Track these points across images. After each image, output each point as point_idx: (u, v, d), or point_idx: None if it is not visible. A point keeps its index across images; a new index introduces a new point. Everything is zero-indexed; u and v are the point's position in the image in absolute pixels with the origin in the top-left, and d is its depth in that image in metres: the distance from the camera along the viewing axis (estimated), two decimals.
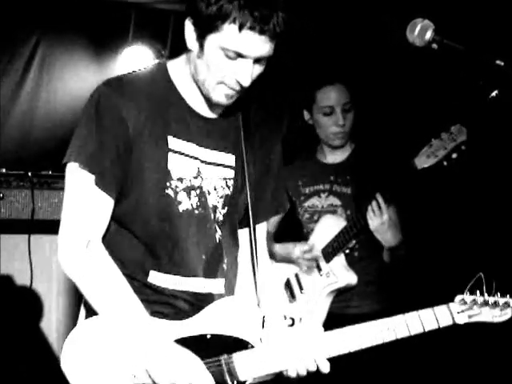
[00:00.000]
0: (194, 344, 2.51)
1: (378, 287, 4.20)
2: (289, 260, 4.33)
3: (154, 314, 2.53)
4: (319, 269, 4.25)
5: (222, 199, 2.67)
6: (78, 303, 4.54)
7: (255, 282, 2.74)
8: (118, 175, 2.51)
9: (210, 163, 2.64)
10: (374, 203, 3.97)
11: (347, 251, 4.19)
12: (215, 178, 2.65)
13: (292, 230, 4.49)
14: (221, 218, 2.67)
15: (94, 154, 2.49)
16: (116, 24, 5.61)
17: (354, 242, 4.15)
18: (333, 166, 4.41)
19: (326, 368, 2.54)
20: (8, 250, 4.54)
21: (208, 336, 2.55)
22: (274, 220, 4.47)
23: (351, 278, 4.16)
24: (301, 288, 4.30)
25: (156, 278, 2.58)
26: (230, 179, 2.68)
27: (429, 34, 2.40)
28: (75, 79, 5.53)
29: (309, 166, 4.50)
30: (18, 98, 5.39)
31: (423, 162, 3.77)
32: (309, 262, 4.23)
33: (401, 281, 4.24)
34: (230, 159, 2.69)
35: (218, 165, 2.66)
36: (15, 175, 4.60)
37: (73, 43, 5.51)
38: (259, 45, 2.41)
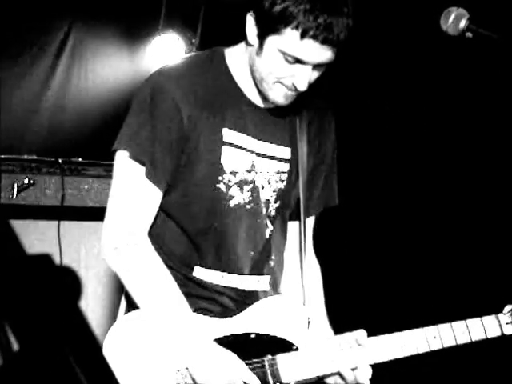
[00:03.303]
0: (238, 343, 2.47)
1: None
2: None
3: (198, 310, 2.49)
4: None
5: (275, 193, 2.59)
6: (105, 289, 4.60)
7: (302, 279, 2.67)
8: (168, 167, 2.44)
9: (264, 156, 2.57)
10: None
11: None
12: (270, 172, 2.58)
13: None
14: (273, 213, 2.60)
15: (146, 144, 2.42)
16: (147, 12, 5.62)
17: None
18: None
19: (367, 374, 2.49)
20: (38, 236, 4.55)
21: (252, 335, 2.50)
22: None
23: None
24: None
25: (201, 272, 2.53)
26: (284, 173, 2.60)
27: (463, 23, 2.37)
28: (106, 67, 5.55)
29: None
30: (49, 84, 5.42)
31: None
32: None
33: None
34: (285, 152, 2.61)
35: (273, 158, 2.59)
36: (46, 162, 4.61)
37: (104, 30, 5.53)
38: (320, 53, 2.34)
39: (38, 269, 0.88)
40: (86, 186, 4.65)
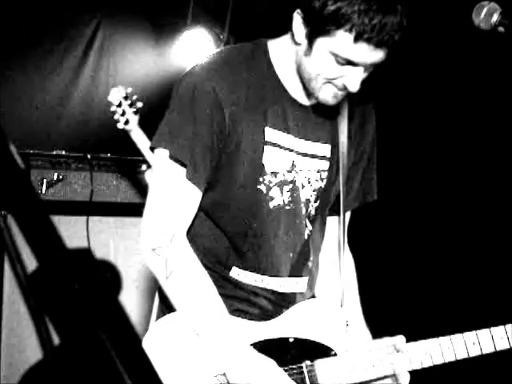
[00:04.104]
0: (276, 347, 2.42)
1: None
2: None
3: (234, 312, 2.44)
4: None
5: (315, 192, 2.52)
6: (134, 283, 4.62)
7: (341, 278, 2.62)
8: (209, 167, 2.37)
9: (305, 155, 2.49)
10: None
11: None
12: (310, 171, 2.50)
13: None
14: (313, 212, 2.54)
15: (186, 145, 2.33)
16: (175, 7, 5.64)
17: None
18: None
19: (406, 381, 2.43)
20: (66, 231, 4.58)
21: (290, 340, 2.45)
22: None
23: None
24: None
25: (237, 273, 2.47)
26: (324, 171, 2.53)
27: (495, 17, 2.36)
28: (134, 62, 5.58)
29: None
30: (78, 81, 5.45)
31: None
32: None
33: None
34: (325, 150, 2.53)
35: (314, 156, 2.51)
36: (75, 157, 4.64)
37: (132, 26, 5.56)
38: (373, 55, 2.24)
39: (78, 263, 0.89)
40: (115, 182, 4.68)
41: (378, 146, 2.73)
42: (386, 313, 4.53)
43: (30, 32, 5.09)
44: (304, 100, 2.48)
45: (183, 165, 2.36)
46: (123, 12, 5.47)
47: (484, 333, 2.47)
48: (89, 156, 4.65)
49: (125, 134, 4.07)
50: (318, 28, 2.25)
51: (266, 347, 2.41)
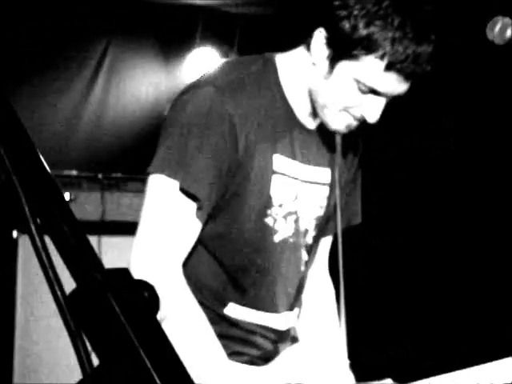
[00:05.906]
0: None
1: None
2: None
3: (232, 354, 2.22)
4: None
5: (315, 221, 2.34)
6: None
7: (338, 307, 2.39)
8: (214, 200, 2.11)
9: (308, 182, 2.29)
10: None
11: None
12: (311, 199, 2.31)
13: None
14: (310, 242, 2.35)
15: (200, 178, 2.06)
16: (184, 27, 5.67)
17: None
18: None
19: None
20: None
21: None
22: None
23: None
24: None
25: (235, 310, 2.27)
26: (323, 198, 2.35)
27: (509, 32, 2.36)
28: (144, 83, 5.61)
29: None
30: (87, 101, 5.48)
31: None
32: None
33: None
34: (326, 175, 2.34)
35: (316, 183, 2.32)
36: (86, 177, 4.66)
37: (141, 47, 5.60)
38: (400, 86, 2.07)
39: (117, 283, 0.89)
40: (127, 202, 4.69)
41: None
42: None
43: (41, 53, 5.12)
44: (309, 123, 2.29)
45: (190, 196, 2.09)
46: (132, 33, 5.51)
47: None
48: (100, 176, 4.67)
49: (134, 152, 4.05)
50: (343, 51, 2.06)
51: None
